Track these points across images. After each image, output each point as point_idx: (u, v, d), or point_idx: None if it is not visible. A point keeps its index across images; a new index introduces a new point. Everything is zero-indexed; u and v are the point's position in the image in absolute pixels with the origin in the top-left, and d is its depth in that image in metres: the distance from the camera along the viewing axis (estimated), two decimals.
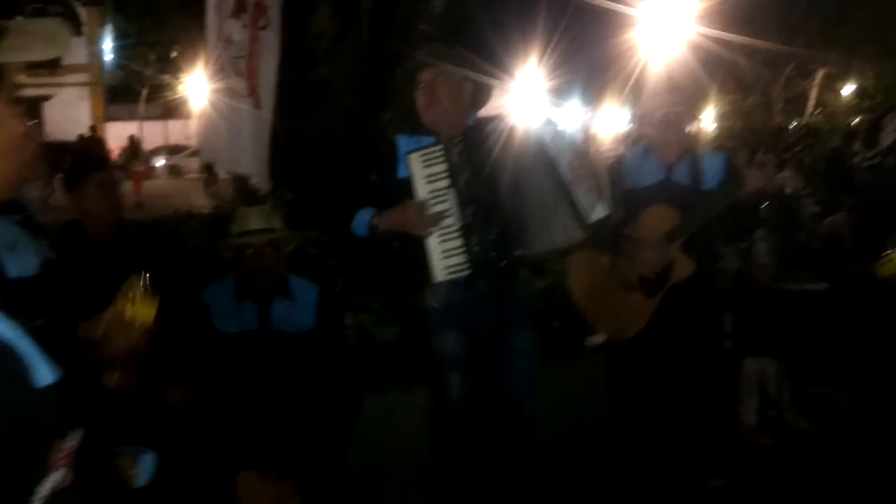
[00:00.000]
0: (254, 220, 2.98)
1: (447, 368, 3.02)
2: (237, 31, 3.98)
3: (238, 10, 4.03)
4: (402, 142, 2.97)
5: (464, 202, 2.87)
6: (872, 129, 8.48)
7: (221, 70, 3.85)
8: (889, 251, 2.89)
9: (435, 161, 2.89)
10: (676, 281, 3.12)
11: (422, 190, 2.88)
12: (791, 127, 3.01)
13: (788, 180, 6.11)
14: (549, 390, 3.60)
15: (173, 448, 1.73)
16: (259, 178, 4.13)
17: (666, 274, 3.12)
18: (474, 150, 2.91)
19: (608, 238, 3.07)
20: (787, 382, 4.47)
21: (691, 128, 3.26)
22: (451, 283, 2.90)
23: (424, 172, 2.88)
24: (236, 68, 3.92)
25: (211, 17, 3.96)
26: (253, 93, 4.04)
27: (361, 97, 5.97)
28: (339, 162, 5.56)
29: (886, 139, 7.99)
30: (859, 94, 19.75)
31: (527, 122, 2.98)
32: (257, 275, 2.93)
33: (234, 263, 2.99)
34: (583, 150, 2.95)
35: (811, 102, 19.56)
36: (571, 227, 2.82)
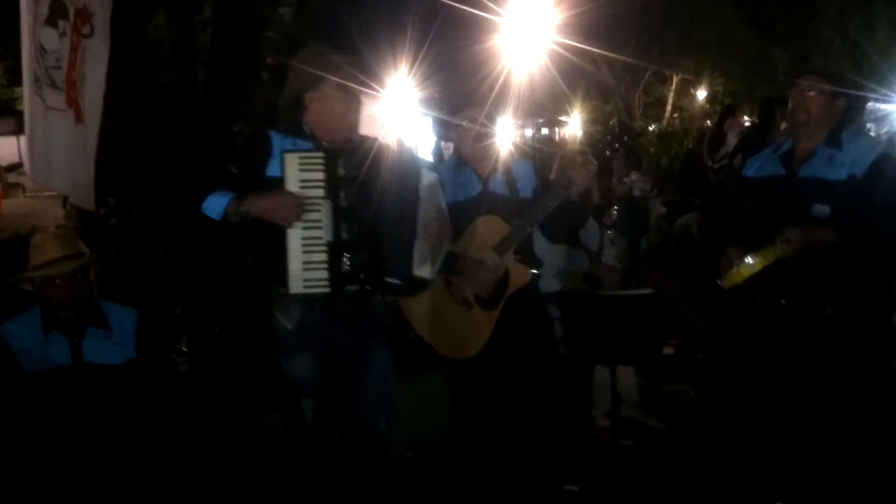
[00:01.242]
0: (54, 247, 2.73)
1: (301, 393, 2.88)
2: (52, 39, 3.68)
3: (54, 18, 3.73)
4: (277, 139, 2.80)
5: (338, 217, 2.74)
6: (717, 135, 8.94)
7: (36, 82, 3.54)
8: (736, 263, 2.96)
9: (314, 167, 2.73)
10: (514, 289, 3.10)
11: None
12: (609, 128, 3.10)
13: (636, 183, 6.29)
14: (403, 403, 3.52)
15: None
16: (82, 198, 3.84)
17: (503, 285, 3.09)
18: (356, 167, 2.79)
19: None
20: (638, 382, 4.58)
21: (499, 137, 3.27)
22: (306, 303, 2.77)
23: (300, 176, 2.71)
24: (51, 80, 3.63)
25: (24, 25, 3.65)
26: (73, 105, 3.74)
27: (208, 106, 5.73)
28: (184, 174, 5.28)
29: (730, 143, 8.45)
30: (710, 98, 20.86)
31: (408, 150, 2.91)
32: (67, 306, 2.69)
33: (39, 295, 2.73)
34: (445, 215, 2.91)
35: (668, 107, 20.48)
36: (395, 269, 2.77)
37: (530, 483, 3.30)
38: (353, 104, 2.83)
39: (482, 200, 3.18)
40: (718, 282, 3.08)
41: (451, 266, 3.08)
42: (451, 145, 6.31)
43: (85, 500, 2.58)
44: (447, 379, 3.35)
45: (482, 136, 3.17)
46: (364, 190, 2.77)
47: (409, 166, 2.86)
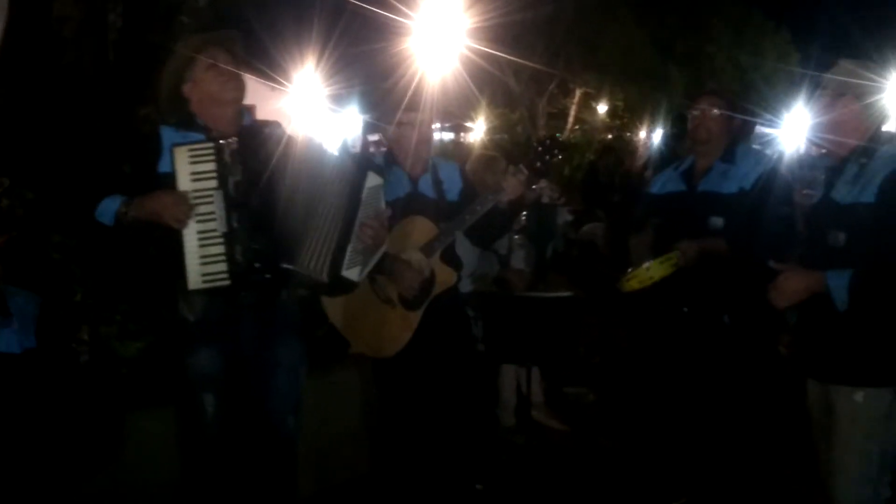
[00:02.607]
0: None
1: (200, 388, 2.78)
2: None
3: None
4: (167, 134, 2.71)
5: (230, 206, 2.66)
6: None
7: None
8: (630, 269, 3.08)
9: (204, 158, 2.65)
10: (438, 292, 3.12)
11: (185, 188, 2.64)
12: (540, 139, 3.17)
13: (545, 190, 6.42)
14: (313, 400, 3.49)
15: None
16: None
17: (428, 286, 3.11)
18: (248, 153, 2.71)
19: None
20: (542, 384, 4.70)
21: (432, 139, 3.31)
22: (211, 295, 2.69)
23: (190, 169, 2.63)
24: None
25: None
26: None
27: (114, 87, 5.50)
28: (86, 157, 5.06)
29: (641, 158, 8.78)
30: (611, 113, 21.59)
31: (321, 139, 2.84)
32: None
33: None
34: (384, 216, 2.86)
35: (571, 118, 21.06)
36: (322, 267, 2.70)
37: (441, 481, 3.33)
38: (230, 82, 2.74)
39: (411, 201, 3.20)
40: (617, 285, 3.17)
41: (377, 265, 3.08)
42: (376, 136, 6.27)
43: None
44: (360, 376, 3.34)
45: (426, 140, 3.20)
46: (253, 176, 2.69)
47: (341, 164, 2.80)
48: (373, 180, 2.79)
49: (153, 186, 2.65)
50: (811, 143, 2.87)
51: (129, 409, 3.22)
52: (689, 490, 3.48)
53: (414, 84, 3.30)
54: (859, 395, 2.49)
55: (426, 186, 3.26)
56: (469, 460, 3.45)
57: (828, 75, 2.65)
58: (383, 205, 2.89)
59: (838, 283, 2.41)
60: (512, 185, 3.05)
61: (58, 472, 2.65)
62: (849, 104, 2.57)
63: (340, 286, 2.80)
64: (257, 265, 2.69)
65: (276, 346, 2.86)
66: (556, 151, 3.04)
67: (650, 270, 3.05)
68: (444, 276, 3.13)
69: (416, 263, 3.06)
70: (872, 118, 2.59)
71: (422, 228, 3.11)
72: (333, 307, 3.23)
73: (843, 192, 2.55)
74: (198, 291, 2.66)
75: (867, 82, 2.59)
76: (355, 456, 3.78)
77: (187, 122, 2.75)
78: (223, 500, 2.86)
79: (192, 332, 2.76)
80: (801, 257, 2.62)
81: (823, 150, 2.73)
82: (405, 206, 3.17)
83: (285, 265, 2.72)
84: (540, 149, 3.06)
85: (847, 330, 2.50)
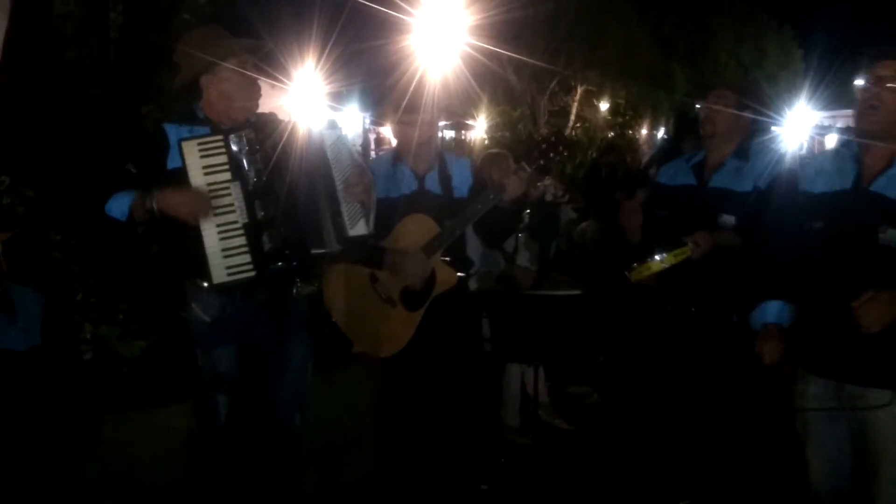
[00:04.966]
0: None
1: (215, 389, 2.78)
2: None
3: None
4: (172, 130, 2.70)
5: (251, 196, 2.66)
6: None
7: None
8: (635, 263, 3.01)
9: (214, 151, 2.65)
10: (439, 292, 3.09)
11: (198, 182, 2.62)
12: (545, 136, 3.13)
13: (549, 188, 6.43)
14: (317, 399, 3.47)
15: None
16: None
17: (429, 286, 3.08)
18: (259, 144, 2.72)
19: (366, 252, 3.01)
20: (546, 384, 4.67)
21: (439, 136, 3.28)
22: (225, 294, 2.68)
23: (202, 163, 2.63)
24: None
25: None
26: None
27: (115, 85, 5.49)
28: (88, 155, 5.04)
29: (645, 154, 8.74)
30: (612, 110, 21.57)
31: (309, 122, 2.84)
32: None
33: None
34: (360, 164, 2.86)
35: (572, 116, 21.04)
36: (329, 237, 2.72)
37: (445, 481, 3.31)
38: (251, 88, 2.76)
39: (416, 198, 3.17)
40: (627, 274, 3.07)
41: (377, 260, 3.05)
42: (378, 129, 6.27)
43: None
44: (363, 375, 3.32)
45: (428, 139, 3.16)
46: (274, 164, 2.71)
47: (311, 138, 2.80)
48: (329, 137, 2.78)
49: (163, 183, 2.62)
50: (851, 137, 2.71)
51: (132, 408, 3.21)
52: (694, 491, 3.46)
53: (415, 82, 3.27)
54: None
55: (433, 183, 3.22)
56: (473, 460, 3.43)
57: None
58: (353, 151, 2.90)
59: None
60: (514, 184, 3.00)
61: (60, 469, 2.63)
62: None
63: (355, 245, 2.80)
64: (287, 252, 2.71)
65: (288, 342, 2.86)
66: (560, 149, 3.00)
67: (663, 262, 2.98)
68: (446, 276, 3.08)
69: (415, 257, 3.03)
70: None
71: (423, 227, 3.08)
72: (336, 306, 3.21)
73: (889, 186, 2.41)
74: (218, 287, 2.64)
75: None
76: (360, 455, 3.75)
77: (190, 116, 2.74)
78: (231, 498, 2.84)
79: (209, 333, 2.74)
80: (838, 258, 2.45)
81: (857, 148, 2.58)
82: (411, 203, 3.14)
83: (314, 250, 2.75)
84: (544, 146, 3.02)
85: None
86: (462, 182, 3.25)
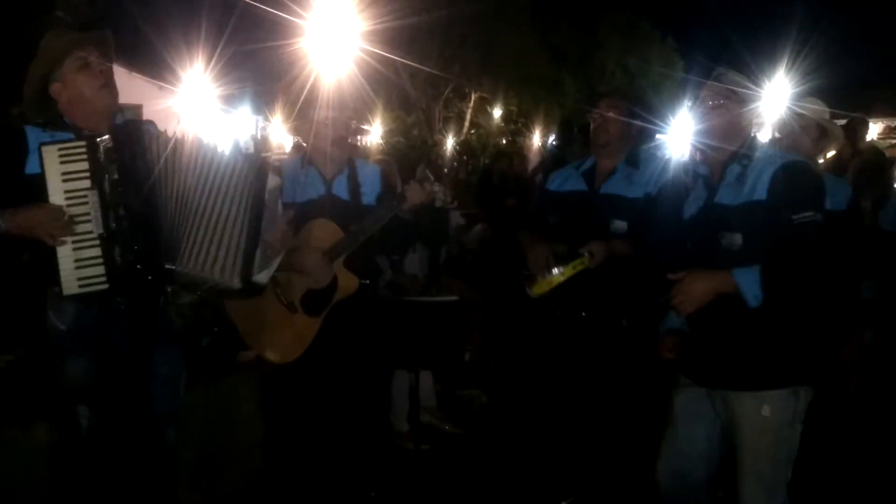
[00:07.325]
0: None
1: (74, 400, 2.66)
2: None
3: None
4: (33, 133, 2.56)
5: (107, 207, 2.54)
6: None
7: None
8: (545, 273, 3.07)
9: (75, 157, 2.52)
10: (340, 298, 3.06)
11: (56, 189, 2.50)
12: (451, 146, 3.16)
13: (438, 194, 6.44)
14: (199, 410, 3.38)
15: None
16: None
17: (330, 291, 3.05)
18: (125, 152, 2.58)
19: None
20: (435, 388, 4.71)
21: (349, 141, 3.26)
22: (82, 302, 2.56)
23: (61, 169, 2.50)
24: None
25: None
26: None
27: None
28: None
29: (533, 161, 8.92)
30: (505, 117, 21.96)
31: (213, 138, 2.74)
32: None
33: None
34: (285, 218, 2.82)
35: (466, 122, 21.29)
36: (232, 272, 2.64)
37: (334, 489, 3.28)
38: (103, 83, 2.63)
39: (324, 203, 3.13)
40: (527, 290, 3.13)
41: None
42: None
43: None
44: (248, 385, 3.26)
45: (331, 138, 3.12)
46: (130, 175, 2.58)
47: (235, 164, 2.68)
48: (273, 181, 2.74)
49: (21, 188, 2.50)
50: (694, 148, 2.91)
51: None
52: (577, 490, 3.55)
53: (309, 85, 3.23)
54: (766, 410, 2.52)
55: (341, 189, 3.20)
56: (362, 467, 3.41)
57: (710, 82, 2.72)
58: (280, 206, 2.84)
59: (748, 278, 2.42)
60: (416, 193, 3.01)
61: None
62: (730, 110, 2.64)
63: (251, 290, 2.74)
64: (139, 266, 2.58)
65: (153, 355, 2.75)
66: (464, 157, 3.04)
67: (563, 275, 3.04)
68: (347, 282, 3.05)
69: (316, 262, 3.00)
70: (750, 124, 2.69)
71: (327, 232, 3.04)
72: (236, 312, 3.15)
73: (729, 195, 2.59)
74: (71, 298, 2.54)
75: (746, 90, 2.68)
76: (247, 465, 3.68)
77: (55, 122, 2.61)
78: None
79: (64, 342, 2.63)
80: (694, 264, 2.58)
81: (700, 157, 2.78)
82: (318, 209, 3.11)
83: (169, 266, 2.63)
84: (454, 157, 3.05)
85: (748, 333, 2.53)
86: (371, 189, 3.24)
